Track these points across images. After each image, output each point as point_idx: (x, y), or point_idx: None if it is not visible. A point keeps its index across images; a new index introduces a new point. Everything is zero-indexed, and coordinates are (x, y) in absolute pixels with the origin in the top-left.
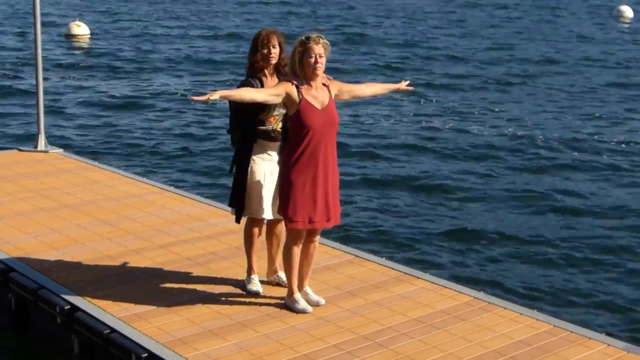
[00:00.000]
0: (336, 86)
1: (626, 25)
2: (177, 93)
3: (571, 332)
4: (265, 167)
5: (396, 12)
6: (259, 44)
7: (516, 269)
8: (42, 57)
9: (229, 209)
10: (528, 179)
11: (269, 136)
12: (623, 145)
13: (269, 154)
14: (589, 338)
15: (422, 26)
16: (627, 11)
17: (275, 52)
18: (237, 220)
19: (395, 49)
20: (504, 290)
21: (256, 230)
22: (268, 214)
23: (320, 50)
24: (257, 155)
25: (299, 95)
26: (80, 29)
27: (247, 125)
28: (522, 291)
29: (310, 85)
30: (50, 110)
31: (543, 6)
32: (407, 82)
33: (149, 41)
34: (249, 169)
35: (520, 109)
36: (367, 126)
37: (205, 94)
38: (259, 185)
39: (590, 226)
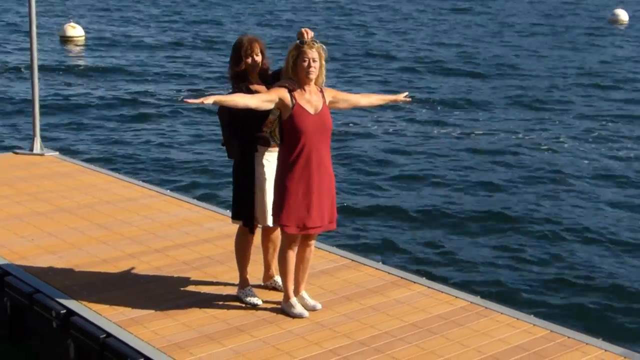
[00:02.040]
0: (331, 93)
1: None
2: (175, 99)
3: (568, 337)
4: (264, 173)
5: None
6: (242, 54)
7: (513, 273)
8: (37, 59)
9: (226, 212)
10: (525, 186)
11: (267, 142)
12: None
13: (268, 161)
14: (586, 343)
15: (417, 36)
16: (622, 14)
17: (258, 59)
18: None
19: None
20: (501, 295)
21: (250, 239)
22: (269, 220)
23: (314, 55)
24: (258, 163)
25: (292, 100)
26: (76, 31)
27: (244, 134)
28: (519, 296)
29: (304, 90)
30: (45, 113)
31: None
32: (406, 93)
33: (146, 43)
34: (254, 177)
35: (518, 119)
36: (365, 131)
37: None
38: (261, 193)
39: (588, 232)
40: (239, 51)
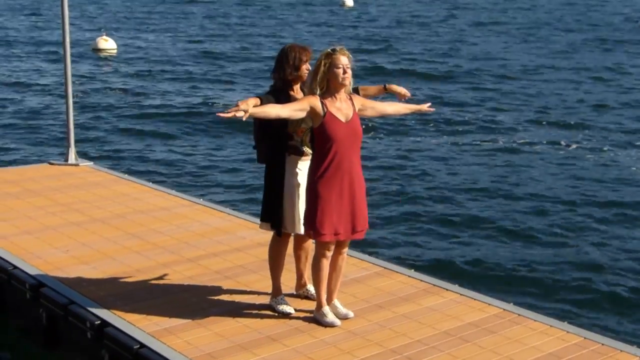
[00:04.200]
0: (360, 101)
1: None
2: (209, 109)
3: (602, 344)
4: (295, 182)
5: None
6: (292, 61)
7: (546, 280)
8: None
9: (258, 221)
10: (555, 191)
11: (298, 151)
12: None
13: (299, 169)
14: (621, 350)
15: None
16: None
17: (307, 68)
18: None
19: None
20: (534, 301)
21: (283, 247)
22: (300, 229)
23: (346, 61)
24: (288, 171)
25: (323, 108)
26: (108, 43)
27: (275, 139)
28: (552, 303)
29: (335, 98)
30: (79, 124)
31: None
32: (429, 103)
33: (179, 56)
34: (283, 184)
35: (553, 129)
36: (395, 139)
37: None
38: (290, 201)
39: (621, 236)
40: (289, 59)
